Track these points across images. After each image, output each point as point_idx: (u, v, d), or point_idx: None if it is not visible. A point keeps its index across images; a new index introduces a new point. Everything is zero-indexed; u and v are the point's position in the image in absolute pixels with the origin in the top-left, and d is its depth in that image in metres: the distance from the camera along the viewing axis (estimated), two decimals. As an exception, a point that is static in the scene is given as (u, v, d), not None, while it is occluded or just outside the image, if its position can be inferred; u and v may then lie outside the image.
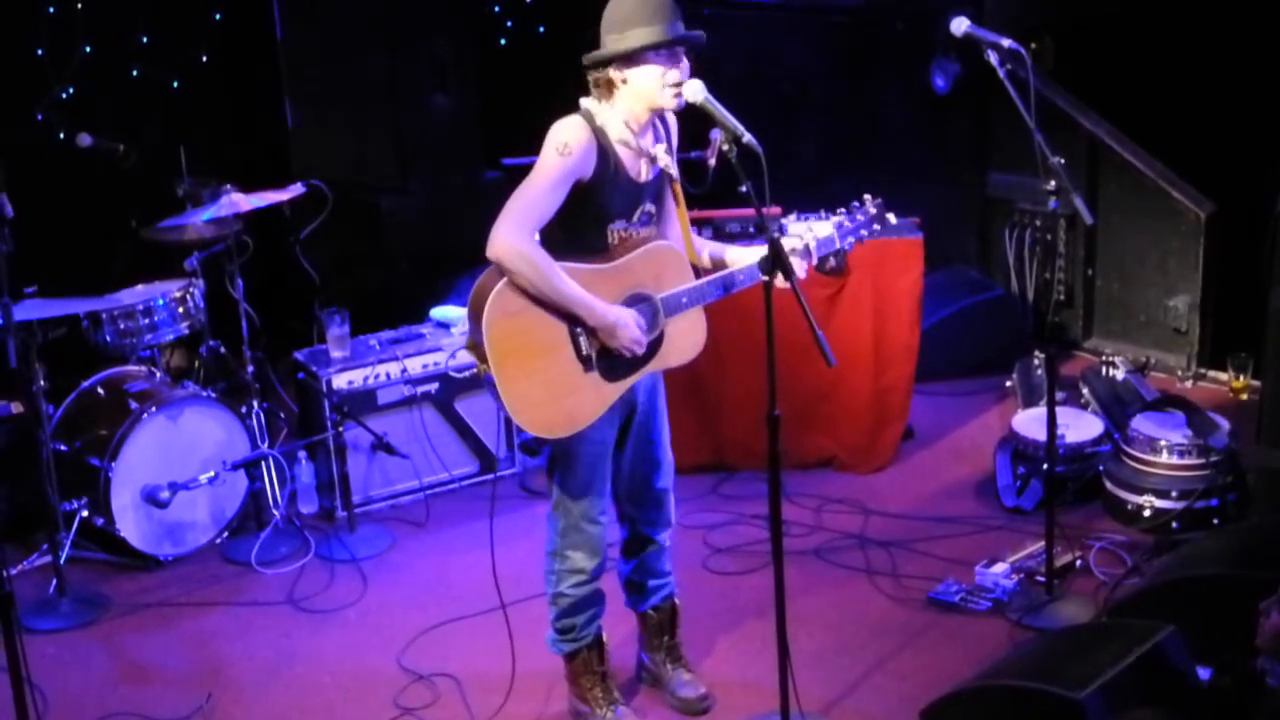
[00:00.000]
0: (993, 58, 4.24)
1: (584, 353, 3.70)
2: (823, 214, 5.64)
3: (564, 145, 3.57)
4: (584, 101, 3.71)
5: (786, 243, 3.78)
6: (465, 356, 3.72)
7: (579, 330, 3.68)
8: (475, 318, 3.59)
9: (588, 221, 3.68)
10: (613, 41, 3.61)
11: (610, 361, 3.74)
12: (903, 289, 5.61)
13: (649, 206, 3.80)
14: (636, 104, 3.66)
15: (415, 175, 7.14)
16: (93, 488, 5.11)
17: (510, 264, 3.52)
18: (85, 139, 5.68)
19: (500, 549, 5.14)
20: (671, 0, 3.62)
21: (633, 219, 3.77)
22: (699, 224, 5.54)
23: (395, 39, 7.08)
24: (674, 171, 3.83)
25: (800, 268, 3.83)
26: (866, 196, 4.08)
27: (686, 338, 3.89)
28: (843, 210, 4.05)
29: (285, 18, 7.05)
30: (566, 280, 3.59)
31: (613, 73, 3.63)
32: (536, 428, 3.72)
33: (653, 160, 3.74)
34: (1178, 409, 5.26)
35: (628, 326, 3.68)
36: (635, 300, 3.75)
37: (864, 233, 4.04)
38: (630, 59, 3.60)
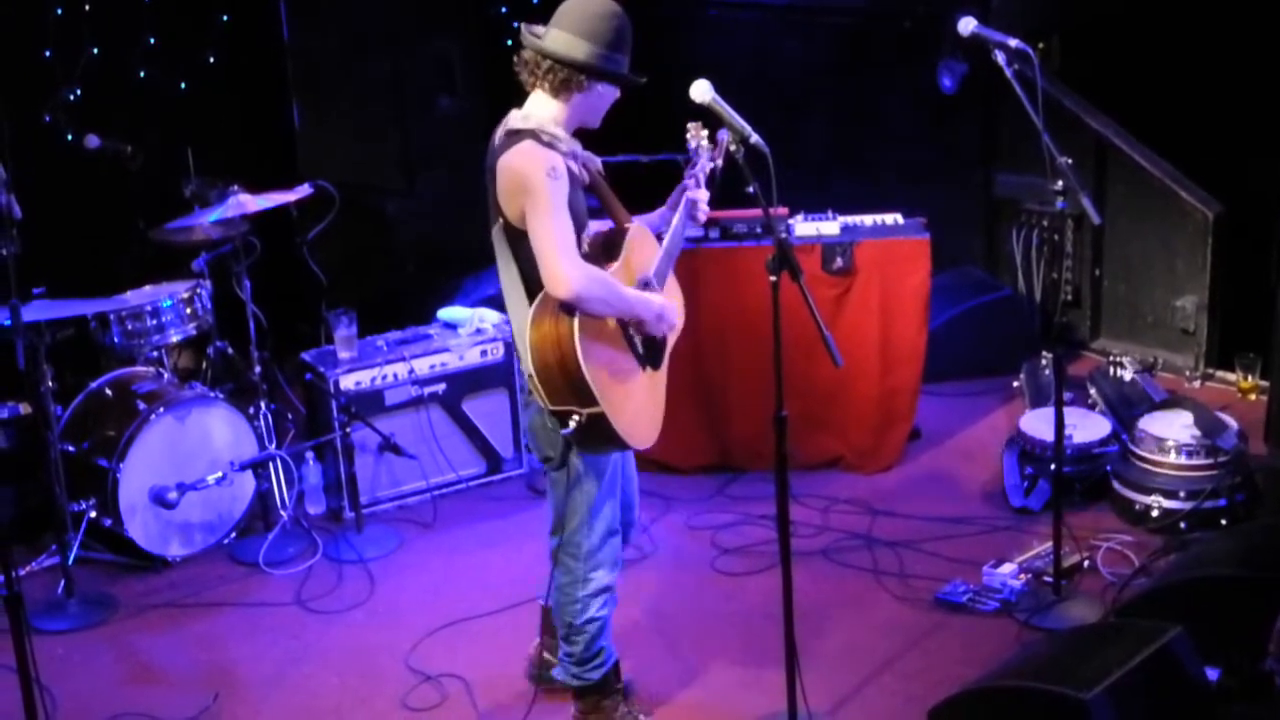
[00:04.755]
0: (1000, 58, 4.23)
1: (639, 351, 3.77)
2: (830, 214, 5.66)
3: (553, 169, 3.55)
4: (523, 120, 3.66)
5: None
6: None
7: (631, 332, 3.72)
8: (565, 374, 3.52)
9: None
10: (596, 55, 3.61)
11: (651, 352, 3.81)
12: (910, 289, 5.60)
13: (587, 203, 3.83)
14: (583, 111, 3.71)
15: (422, 176, 7.14)
16: (100, 488, 5.11)
17: (586, 292, 3.50)
18: (93, 140, 5.69)
19: (508, 549, 5.17)
20: None
21: (587, 220, 3.79)
22: (706, 224, 5.53)
23: (401, 40, 7.09)
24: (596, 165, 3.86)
25: (703, 200, 3.95)
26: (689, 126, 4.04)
27: (676, 304, 3.95)
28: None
29: (292, 19, 7.06)
30: (624, 285, 3.66)
31: (583, 78, 3.64)
32: (647, 441, 3.78)
33: (579, 159, 3.75)
34: (1185, 409, 5.25)
35: (667, 305, 3.78)
36: (643, 286, 3.81)
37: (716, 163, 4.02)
38: (611, 79, 3.67)
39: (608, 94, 3.72)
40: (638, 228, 3.85)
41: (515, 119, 3.68)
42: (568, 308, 3.53)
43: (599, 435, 3.61)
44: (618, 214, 3.86)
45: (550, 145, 3.61)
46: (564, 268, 3.48)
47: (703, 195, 3.97)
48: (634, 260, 3.78)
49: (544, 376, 3.55)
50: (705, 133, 4.02)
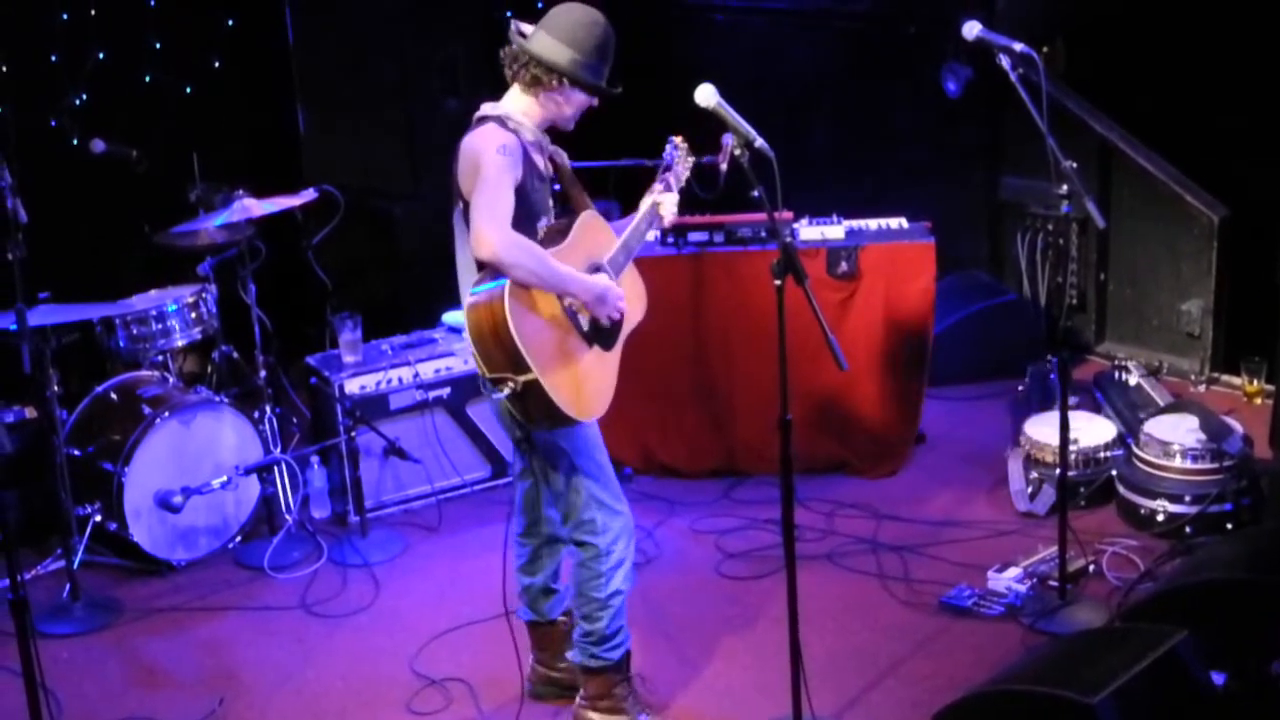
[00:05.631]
0: (1004, 61, 4.23)
1: (584, 330, 3.80)
2: (834, 218, 5.66)
3: (503, 146, 3.66)
4: (492, 108, 3.80)
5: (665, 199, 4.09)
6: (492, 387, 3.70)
7: (572, 309, 3.76)
8: (498, 340, 3.58)
9: (522, 222, 3.69)
10: (575, 62, 3.72)
11: (599, 332, 3.84)
12: (915, 293, 5.60)
13: (551, 200, 3.90)
14: (553, 110, 3.80)
15: (427, 179, 7.14)
16: (106, 492, 5.12)
17: (508, 257, 3.56)
18: (99, 145, 5.69)
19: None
20: None
21: (550, 213, 3.87)
22: (711, 229, 5.55)
23: (406, 44, 7.09)
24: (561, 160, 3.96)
25: (672, 202, 4.08)
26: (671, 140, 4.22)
27: (634, 294, 4.01)
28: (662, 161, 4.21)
29: (297, 23, 7.07)
30: (556, 260, 3.68)
31: (554, 78, 3.74)
32: (588, 414, 3.79)
33: (544, 152, 3.85)
34: (1191, 413, 5.25)
35: (611, 290, 3.81)
36: (593, 270, 3.85)
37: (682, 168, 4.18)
38: (583, 86, 3.76)
39: (578, 99, 3.81)
40: (590, 214, 3.92)
41: (485, 107, 3.82)
42: (500, 276, 3.60)
43: (537, 405, 3.64)
44: (581, 207, 3.95)
45: (514, 131, 3.72)
46: (489, 229, 3.55)
47: (669, 198, 4.09)
48: (582, 243, 3.84)
49: (479, 345, 3.62)
50: (685, 146, 4.17)
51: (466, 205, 3.69)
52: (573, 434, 3.83)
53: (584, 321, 3.80)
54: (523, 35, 3.78)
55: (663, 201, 4.09)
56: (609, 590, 3.94)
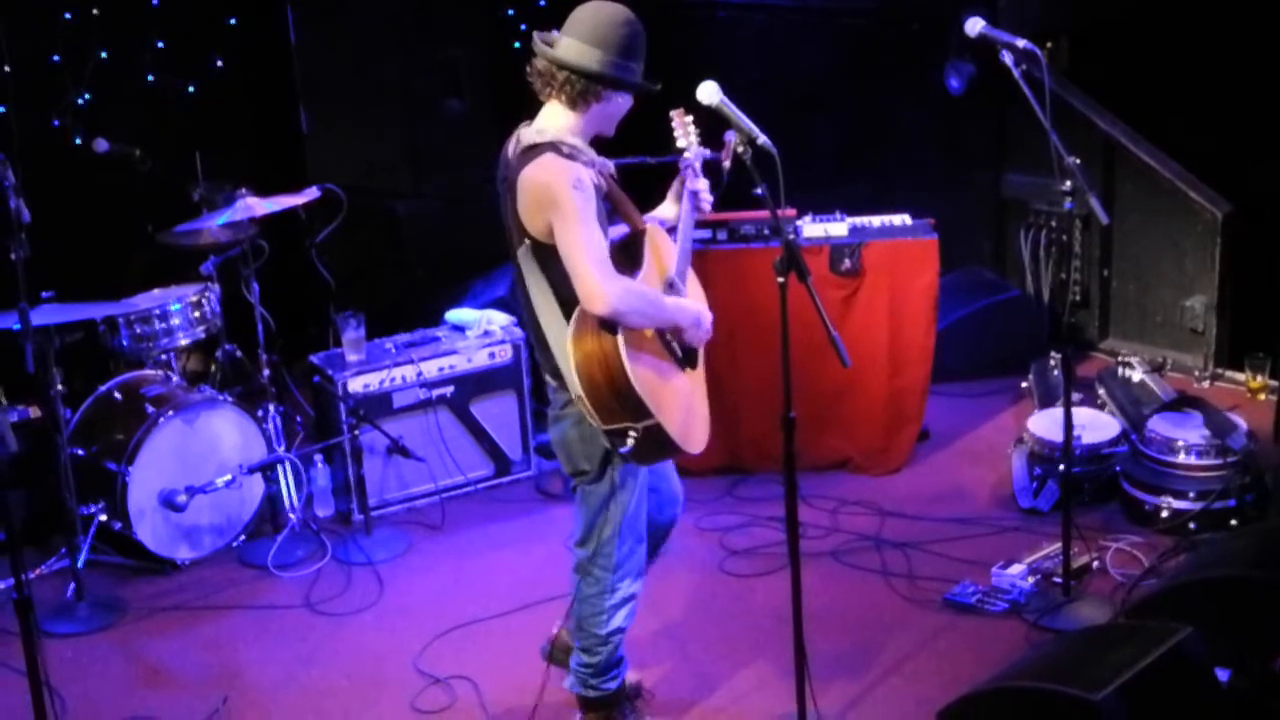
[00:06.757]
0: (1008, 58, 4.23)
1: (679, 356, 3.73)
2: (838, 215, 5.66)
3: (578, 181, 3.47)
4: (538, 134, 3.57)
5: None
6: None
7: (669, 339, 3.69)
8: (615, 390, 3.45)
9: None
10: (609, 63, 3.53)
11: (687, 351, 3.77)
12: (918, 290, 5.60)
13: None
14: (601, 121, 3.65)
15: (430, 179, 7.15)
16: (110, 492, 5.12)
17: (624, 306, 3.44)
18: (102, 144, 5.70)
19: (516, 551, 5.17)
20: None
21: (607, 230, 3.71)
22: (714, 226, 5.55)
23: (409, 43, 7.10)
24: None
25: (705, 187, 3.90)
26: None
27: (699, 300, 3.91)
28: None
29: (300, 23, 7.07)
30: (657, 293, 3.62)
31: (600, 88, 3.57)
32: (700, 445, 3.74)
33: (595, 166, 3.66)
34: (1195, 409, 5.24)
35: (704, 313, 3.74)
36: (669, 287, 3.77)
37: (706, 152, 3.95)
38: (629, 89, 3.61)
39: (624, 103, 3.65)
40: (653, 228, 3.80)
41: (530, 134, 3.59)
42: (608, 323, 3.46)
43: (655, 446, 3.55)
44: (632, 218, 3.78)
45: (571, 157, 3.53)
46: (600, 283, 3.40)
47: (703, 184, 3.91)
48: (656, 263, 3.74)
49: (594, 397, 3.47)
50: (690, 119, 3.92)
51: (535, 243, 3.52)
52: (631, 470, 3.74)
53: (677, 346, 3.72)
54: (548, 45, 3.57)
55: (699, 189, 3.89)
56: (610, 627, 3.88)
